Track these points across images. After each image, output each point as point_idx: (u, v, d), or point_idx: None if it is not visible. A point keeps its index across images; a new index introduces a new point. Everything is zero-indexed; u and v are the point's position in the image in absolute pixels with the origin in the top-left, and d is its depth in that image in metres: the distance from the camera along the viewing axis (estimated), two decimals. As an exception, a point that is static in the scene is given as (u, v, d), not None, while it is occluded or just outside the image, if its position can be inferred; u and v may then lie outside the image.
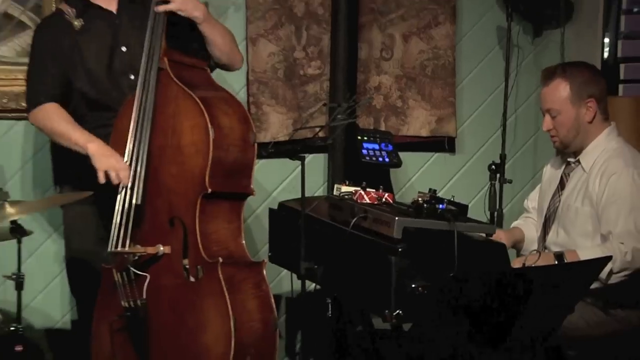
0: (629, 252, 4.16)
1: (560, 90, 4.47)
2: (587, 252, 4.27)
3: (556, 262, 4.23)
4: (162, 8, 4.55)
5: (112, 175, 4.39)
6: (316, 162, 5.61)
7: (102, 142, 4.51)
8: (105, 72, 4.67)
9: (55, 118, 4.61)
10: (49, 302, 5.43)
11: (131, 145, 4.46)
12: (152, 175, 4.47)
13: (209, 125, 4.35)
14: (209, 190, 4.35)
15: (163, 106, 4.49)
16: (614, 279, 4.13)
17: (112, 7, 4.72)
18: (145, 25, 4.58)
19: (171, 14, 4.59)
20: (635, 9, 5.68)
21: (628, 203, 4.29)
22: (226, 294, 4.27)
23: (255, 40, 5.57)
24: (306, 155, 4.49)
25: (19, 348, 4.37)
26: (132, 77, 4.56)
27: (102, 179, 4.40)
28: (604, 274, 4.14)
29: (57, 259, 5.24)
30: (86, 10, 4.68)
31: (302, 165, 4.38)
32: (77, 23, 4.66)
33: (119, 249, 4.41)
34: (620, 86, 5.68)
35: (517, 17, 5.74)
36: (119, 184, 4.42)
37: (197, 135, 4.38)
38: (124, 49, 4.69)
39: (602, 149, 4.46)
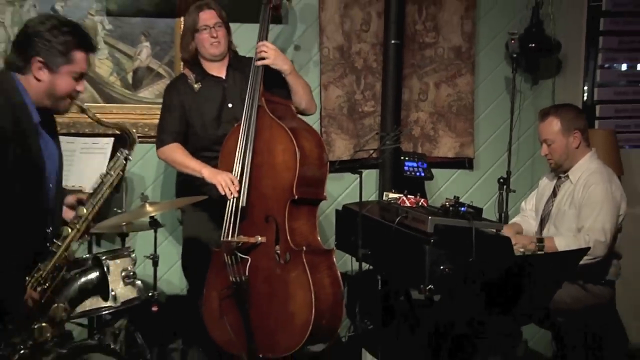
0: (591, 242, 4.17)
1: (553, 125, 4.49)
2: (561, 238, 4.33)
3: (537, 243, 4.28)
4: (259, 63, 4.60)
5: (220, 188, 4.45)
6: (370, 176, 5.58)
7: (211, 167, 4.56)
8: (216, 122, 4.73)
9: (178, 152, 4.68)
10: (175, 275, 5.48)
11: (238, 163, 4.49)
12: (254, 185, 4.48)
13: (296, 149, 4.37)
14: (296, 196, 4.37)
15: (261, 134, 4.51)
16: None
17: (222, 74, 4.77)
18: (244, 85, 4.64)
19: (267, 67, 4.63)
20: (607, 65, 5.65)
21: (599, 207, 4.31)
22: (308, 273, 4.29)
23: (327, 86, 5.58)
24: (363, 170, 4.52)
25: (154, 308, 4.48)
26: (235, 125, 4.59)
27: (220, 189, 4.44)
28: None
29: (180, 245, 5.23)
30: (204, 77, 4.75)
31: (360, 177, 4.43)
32: (197, 86, 4.73)
33: (229, 238, 4.44)
34: (596, 122, 5.65)
35: (519, 70, 5.70)
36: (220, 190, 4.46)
37: (287, 156, 4.40)
38: (230, 105, 4.73)
39: (586, 167, 4.48)
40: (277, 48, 4.71)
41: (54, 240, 3.17)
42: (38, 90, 3.10)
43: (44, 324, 3.14)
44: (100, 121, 3.40)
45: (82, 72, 3.16)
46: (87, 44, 3.17)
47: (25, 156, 3.02)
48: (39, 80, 3.09)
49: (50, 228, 3.19)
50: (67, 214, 3.29)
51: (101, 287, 3.38)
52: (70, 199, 3.34)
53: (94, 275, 3.33)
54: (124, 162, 3.30)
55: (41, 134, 3.16)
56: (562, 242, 4.31)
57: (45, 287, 3.15)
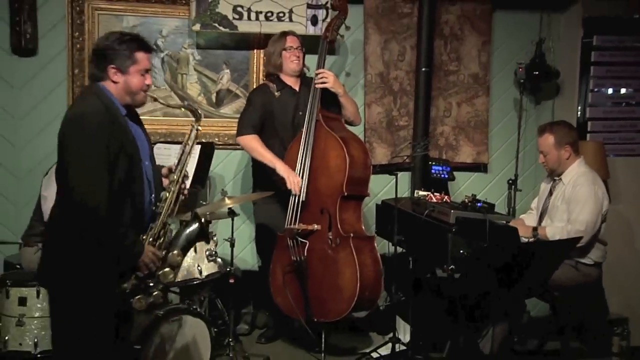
0: (573, 231, 4.25)
1: (548, 140, 4.50)
2: (550, 228, 4.39)
3: (532, 232, 4.38)
4: (321, 86, 4.67)
5: (288, 183, 4.52)
6: (404, 177, 5.58)
7: (283, 162, 4.61)
8: (290, 125, 4.78)
9: (256, 142, 4.70)
10: (247, 254, 5.52)
11: (299, 165, 4.56)
12: (312, 184, 4.54)
13: (346, 155, 4.44)
14: (345, 193, 4.44)
15: (318, 142, 4.57)
16: None
17: (296, 87, 4.83)
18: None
19: (323, 89, 4.70)
20: (597, 89, 5.61)
21: (582, 203, 4.34)
22: (355, 255, 4.36)
23: (370, 105, 5.59)
24: (398, 172, 4.56)
25: (231, 280, 4.53)
26: (303, 128, 4.65)
27: (289, 185, 4.51)
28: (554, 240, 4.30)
29: (252, 230, 5.31)
30: (283, 87, 4.80)
31: (396, 178, 4.48)
32: (277, 94, 4.78)
33: (292, 226, 4.52)
34: (588, 135, 5.62)
35: (526, 93, 5.69)
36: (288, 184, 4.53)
37: (339, 161, 4.46)
38: (300, 113, 4.76)
39: (575, 172, 4.48)
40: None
41: (158, 204, 3.24)
42: (118, 90, 3.16)
43: (166, 269, 3.22)
44: (170, 104, 3.51)
45: (146, 68, 3.20)
46: (146, 46, 3.22)
47: (124, 141, 3.09)
48: (116, 82, 3.15)
49: (153, 195, 3.25)
50: (164, 182, 3.34)
51: (202, 235, 3.39)
52: (163, 170, 3.37)
53: (195, 226, 3.35)
54: (196, 132, 3.34)
55: (131, 124, 3.21)
56: (550, 231, 4.36)
57: (161, 241, 3.23)
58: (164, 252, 3.24)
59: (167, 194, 3.26)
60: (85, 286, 3.09)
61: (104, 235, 3.06)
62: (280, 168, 4.57)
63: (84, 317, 3.11)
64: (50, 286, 3.25)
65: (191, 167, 4.88)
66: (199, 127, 3.39)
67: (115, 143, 3.05)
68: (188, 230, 3.35)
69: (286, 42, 4.76)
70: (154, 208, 3.24)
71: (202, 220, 3.42)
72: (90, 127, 3.02)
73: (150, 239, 3.20)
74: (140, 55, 3.18)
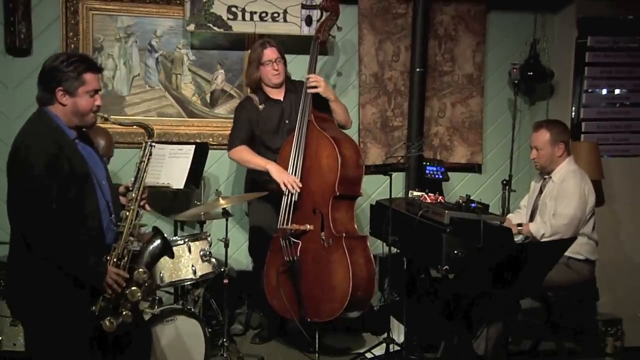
0: (556, 225, 4.30)
1: (544, 136, 4.51)
2: (534, 224, 4.44)
3: (517, 227, 4.44)
4: (313, 90, 4.65)
5: (282, 186, 4.49)
6: (398, 177, 5.53)
7: (276, 164, 4.58)
8: (276, 135, 4.76)
9: (245, 152, 4.70)
10: (242, 255, 5.48)
11: (292, 166, 4.53)
12: (304, 184, 4.51)
13: (338, 155, 4.42)
14: (337, 193, 4.42)
15: (310, 142, 4.55)
16: (544, 239, 4.26)
17: (280, 97, 4.81)
18: (298, 103, 4.67)
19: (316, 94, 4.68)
20: (591, 90, 5.58)
21: (569, 198, 4.36)
22: (347, 254, 4.34)
23: (364, 105, 5.57)
24: (392, 173, 4.55)
25: (225, 281, 4.48)
26: (295, 129, 4.61)
27: (283, 187, 4.49)
28: (538, 235, 4.33)
29: (246, 231, 5.27)
30: (266, 99, 4.78)
31: (390, 179, 4.47)
32: (261, 107, 4.76)
33: (284, 226, 4.49)
34: (582, 135, 5.58)
35: (520, 93, 5.68)
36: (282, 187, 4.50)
37: (331, 160, 4.44)
38: (287, 121, 4.76)
39: (565, 170, 4.50)
40: (324, 78, 4.76)
41: (118, 223, 3.18)
42: (66, 113, 3.10)
43: (133, 288, 3.16)
44: (122, 123, 3.47)
45: (95, 89, 3.13)
46: (94, 67, 3.15)
47: (73, 166, 3.03)
48: (64, 105, 3.08)
49: (113, 215, 3.20)
50: (122, 200, 3.28)
51: (166, 250, 3.34)
52: (120, 188, 3.32)
53: (157, 242, 3.31)
54: (150, 148, 3.29)
55: (82, 146, 3.17)
56: (534, 227, 4.39)
57: (125, 260, 3.17)
58: (128, 271, 3.18)
59: (127, 213, 3.21)
60: (55, 314, 3.05)
61: (64, 262, 3.01)
62: (273, 171, 4.55)
63: (59, 345, 3.07)
64: (21, 317, 3.23)
65: (185, 167, 4.87)
66: (154, 144, 3.33)
67: (63, 168, 3.00)
68: (151, 247, 3.31)
69: (263, 56, 4.74)
70: (114, 228, 3.19)
71: (164, 235, 3.37)
72: (31, 161, 2.97)
73: (115, 260, 3.15)
74: (88, 77, 3.11)
